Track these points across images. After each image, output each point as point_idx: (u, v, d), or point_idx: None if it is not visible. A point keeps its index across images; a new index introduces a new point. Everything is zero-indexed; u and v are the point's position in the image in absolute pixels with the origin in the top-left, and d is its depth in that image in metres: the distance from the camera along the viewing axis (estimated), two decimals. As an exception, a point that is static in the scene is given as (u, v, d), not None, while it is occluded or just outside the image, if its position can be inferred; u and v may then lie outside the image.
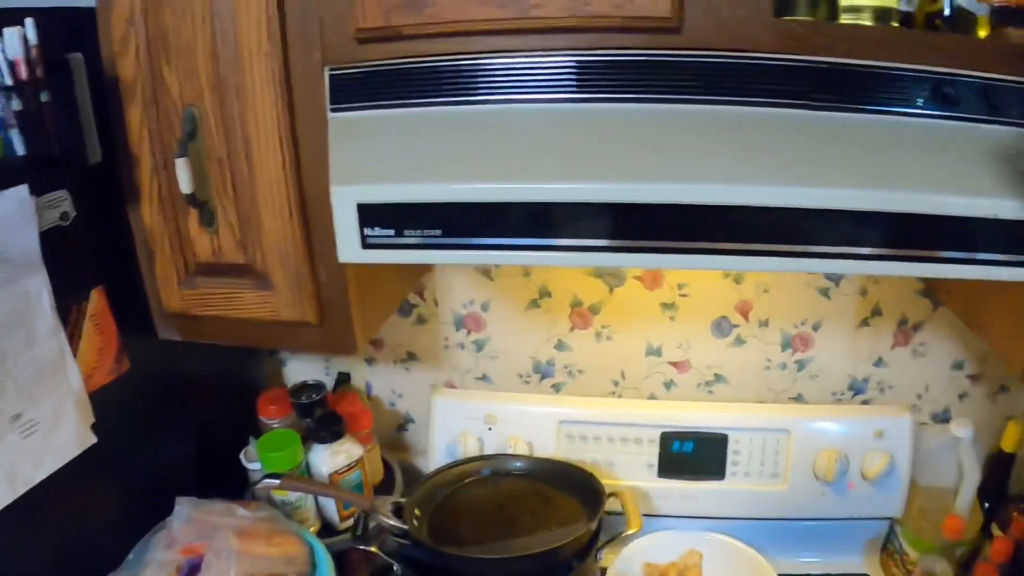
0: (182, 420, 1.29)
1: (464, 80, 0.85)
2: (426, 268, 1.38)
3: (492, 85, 0.85)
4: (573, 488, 1.25)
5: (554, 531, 1.15)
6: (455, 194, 0.81)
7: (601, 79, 0.82)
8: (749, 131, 0.80)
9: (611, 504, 1.22)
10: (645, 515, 1.35)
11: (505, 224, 0.82)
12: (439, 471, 1.28)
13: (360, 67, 0.88)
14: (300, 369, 1.55)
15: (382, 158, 0.86)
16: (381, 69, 0.87)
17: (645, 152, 0.80)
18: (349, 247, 0.87)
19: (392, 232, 0.85)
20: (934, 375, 1.42)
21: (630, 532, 1.18)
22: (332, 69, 0.89)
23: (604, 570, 1.27)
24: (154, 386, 1.20)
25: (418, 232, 0.84)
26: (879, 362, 1.40)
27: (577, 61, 0.82)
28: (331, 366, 1.54)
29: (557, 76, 0.83)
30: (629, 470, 1.36)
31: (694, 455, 1.35)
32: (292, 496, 1.25)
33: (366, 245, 0.86)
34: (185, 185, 0.95)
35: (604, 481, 1.30)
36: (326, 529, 1.31)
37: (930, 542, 1.28)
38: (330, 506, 1.30)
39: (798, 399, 1.43)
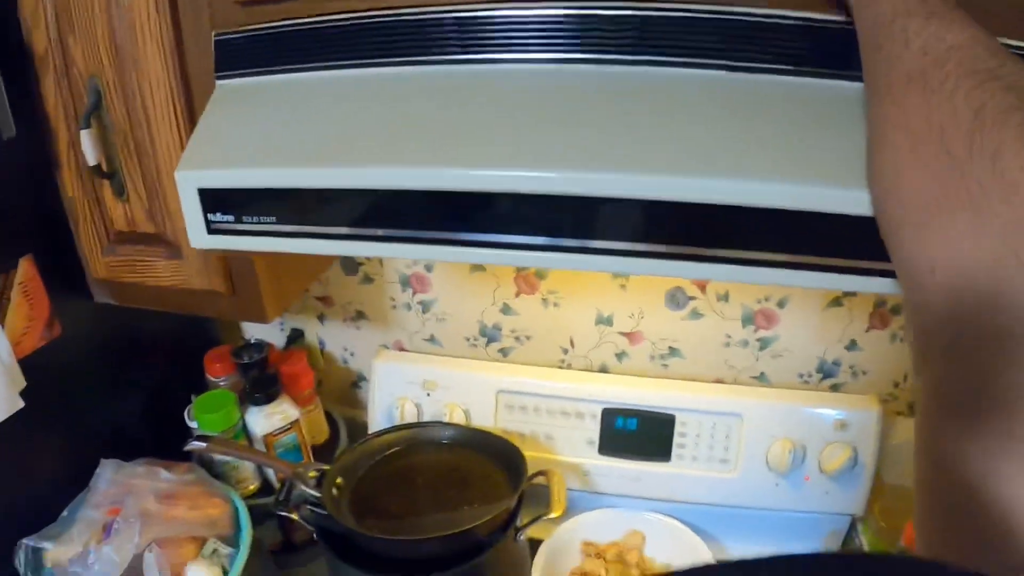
0: (136, 380, 1.28)
1: (345, 41, 0.77)
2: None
3: (367, 46, 0.76)
4: (501, 462, 1.19)
5: (476, 508, 1.10)
6: (275, 179, 0.75)
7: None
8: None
9: (543, 481, 1.16)
10: (585, 492, 1.30)
11: (337, 212, 0.74)
12: (367, 439, 1.23)
13: (244, 31, 0.81)
14: (255, 327, 1.52)
15: (236, 136, 0.79)
16: (264, 33, 0.80)
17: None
18: (197, 233, 0.81)
19: (232, 218, 0.79)
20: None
21: (551, 515, 1.12)
22: (218, 35, 0.82)
23: (537, 543, 1.22)
24: (100, 348, 1.20)
25: (254, 219, 0.78)
26: (852, 345, 1.28)
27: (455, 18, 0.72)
28: (285, 322, 1.51)
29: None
30: (568, 446, 1.30)
31: (638, 434, 1.27)
32: (229, 457, 1.24)
33: (211, 231, 0.80)
34: (91, 157, 0.94)
35: (541, 456, 1.25)
36: (267, 490, 1.30)
37: (891, 546, 1.19)
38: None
39: (761, 378, 1.33)
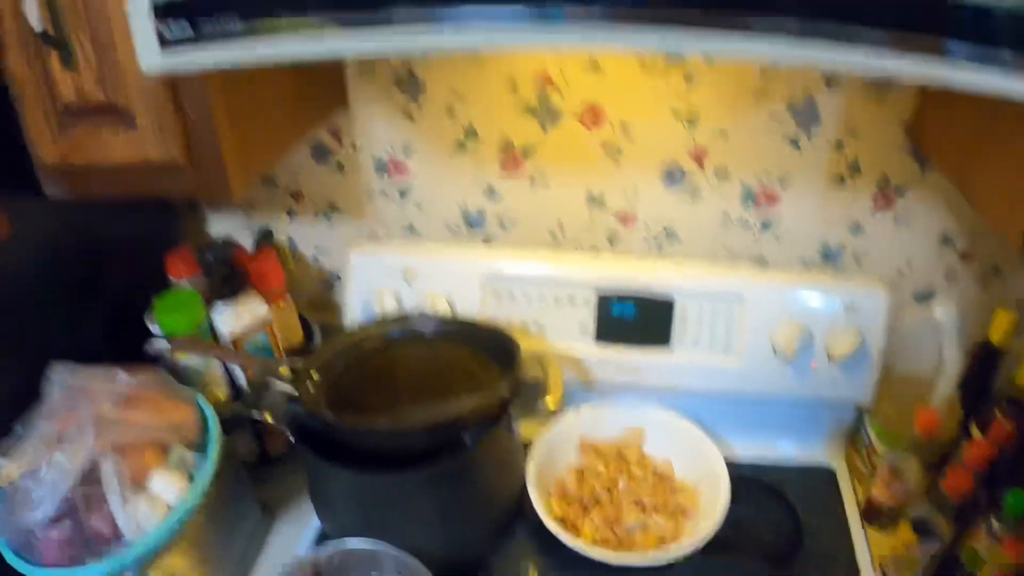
0: (93, 284, 1.17)
1: None
2: (321, 103, 1.19)
3: None
4: (492, 351, 1.09)
5: (465, 398, 1.02)
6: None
7: None
8: None
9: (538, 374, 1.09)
10: (582, 385, 1.22)
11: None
12: (345, 333, 1.14)
13: None
14: (221, 227, 1.41)
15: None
16: None
17: None
18: (148, 52, 0.71)
19: (186, 25, 0.68)
20: (918, 248, 1.24)
21: (548, 407, 1.04)
22: None
23: (526, 445, 1.15)
24: (53, 250, 1.10)
25: (213, 21, 0.67)
26: (856, 228, 1.21)
27: None
28: (252, 220, 1.40)
29: None
30: (562, 334, 1.21)
31: (636, 320, 1.19)
32: (196, 360, 1.14)
33: (165, 45, 0.69)
34: (36, 22, 0.84)
35: (533, 347, 1.17)
36: (237, 395, 1.21)
37: (900, 436, 1.13)
38: (240, 371, 1.18)
39: (760, 261, 1.25)
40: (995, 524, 0.97)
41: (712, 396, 1.22)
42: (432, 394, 1.05)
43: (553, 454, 1.17)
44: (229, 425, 1.09)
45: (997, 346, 1.11)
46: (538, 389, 1.10)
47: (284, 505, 1.19)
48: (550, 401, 1.05)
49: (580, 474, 1.17)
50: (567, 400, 1.19)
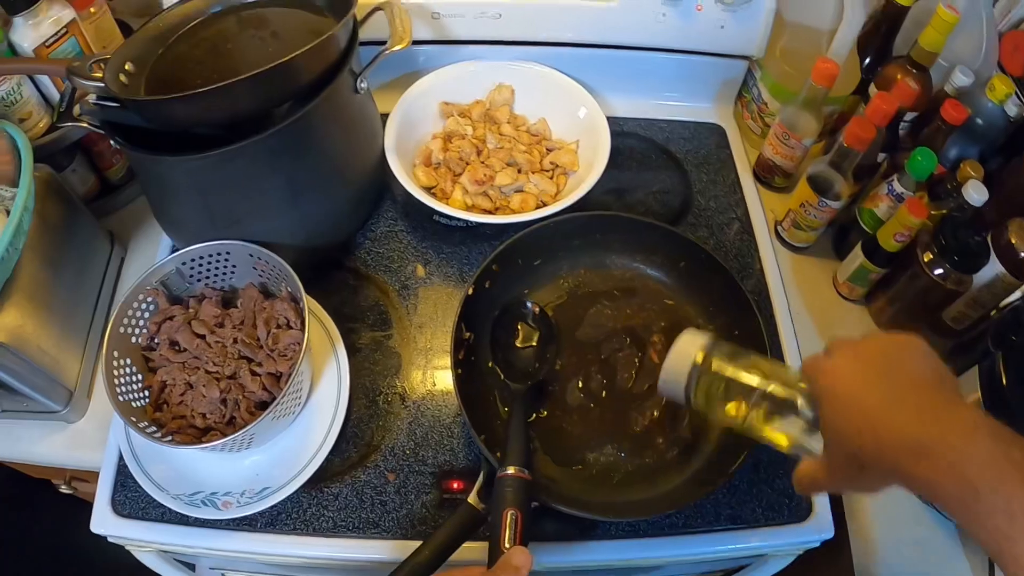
0: None
1: None
2: None
3: None
4: (328, 6, 0.94)
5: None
6: None
7: None
8: None
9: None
10: (439, 43, 1.10)
11: None
12: (157, 16, 0.96)
13: None
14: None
15: None
16: None
17: None
18: None
19: None
20: None
21: (395, 48, 0.91)
22: None
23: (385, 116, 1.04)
24: None
25: None
26: None
27: None
28: None
29: None
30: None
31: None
32: (3, 90, 0.96)
33: None
34: None
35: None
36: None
37: (794, 91, 1.05)
38: (54, 93, 1.02)
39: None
40: (897, 185, 0.94)
41: (589, 49, 1.11)
42: (267, 58, 0.89)
43: (413, 121, 1.08)
44: (58, 159, 0.99)
45: (902, 5, 1.01)
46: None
47: (137, 231, 1.10)
48: (397, 44, 0.91)
49: (446, 140, 1.08)
50: (422, 61, 1.10)
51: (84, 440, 0.92)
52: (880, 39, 1.06)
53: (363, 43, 0.92)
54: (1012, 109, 1.00)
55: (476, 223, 1.00)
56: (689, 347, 0.67)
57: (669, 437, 0.87)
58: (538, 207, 1.00)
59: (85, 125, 0.87)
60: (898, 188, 0.95)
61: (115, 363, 0.80)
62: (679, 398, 0.68)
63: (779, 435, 0.63)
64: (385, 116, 1.04)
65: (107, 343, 0.80)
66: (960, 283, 0.92)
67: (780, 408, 0.62)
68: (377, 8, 0.96)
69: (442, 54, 1.11)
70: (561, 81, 1.10)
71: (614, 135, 1.03)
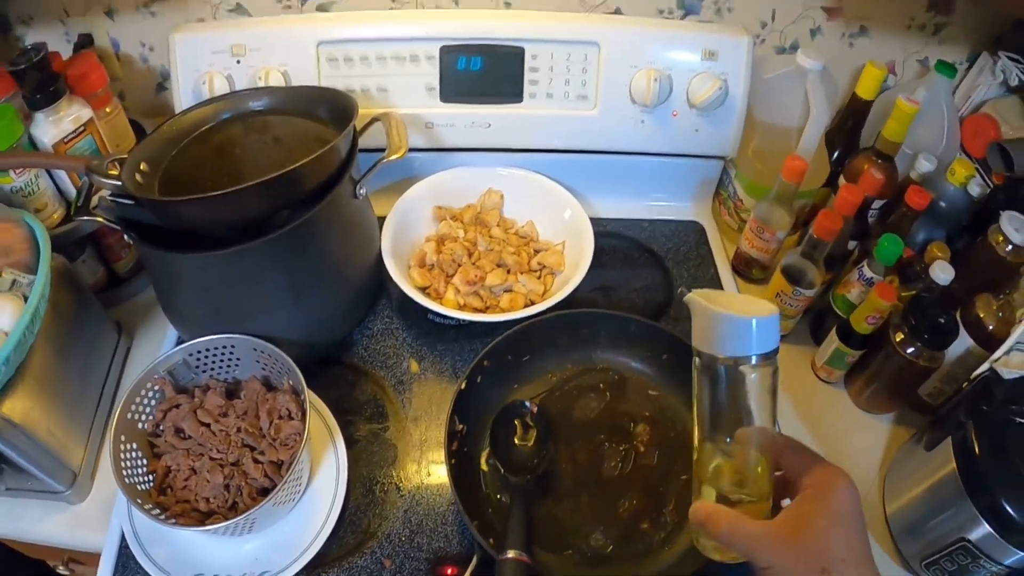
0: None
1: None
2: None
3: None
4: (330, 116, 1.02)
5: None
6: None
7: None
8: None
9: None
10: (432, 151, 1.17)
11: None
12: (170, 119, 1.04)
13: None
14: (34, 36, 1.27)
15: None
16: None
17: None
18: None
19: None
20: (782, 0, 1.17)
21: (392, 157, 0.97)
22: None
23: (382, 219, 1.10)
24: None
25: None
26: (715, -19, 1.13)
27: None
28: (70, 28, 1.25)
29: None
30: (406, 95, 1.13)
31: (484, 73, 1.11)
32: (19, 182, 1.02)
33: None
34: None
35: (376, 111, 1.09)
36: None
37: (766, 187, 1.11)
38: (69, 186, 1.08)
39: (616, 13, 1.17)
40: (867, 270, 1.00)
41: (571, 154, 1.18)
42: (272, 165, 0.96)
43: (408, 224, 1.14)
44: (70, 250, 1.04)
45: (865, 99, 1.09)
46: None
47: (142, 322, 1.15)
48: (395, 153, 0.98)
49: (439, 242, 1.14)
50: (417, 167, 1.16)
51: (86, 521, 0.94)
52: (847, 133, 1.14)
53: (362, 150, 0.98)
54: (975, 189, 1.07)
55: (468, 321, 1.04)
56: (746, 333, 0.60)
57: (656, 522, 0.89)
58: (526, 306, 1.04)
59: (101, 220, 0.93)
60: (868, 273, 1.00)
61: (122, 447, 0.84)
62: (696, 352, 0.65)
63: (709, 490, 0.64)
64: (382, 219, 1.10)
65: (115, 427, 0.83)
66: (932, 360, 0.95)
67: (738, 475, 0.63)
68: (375, 119, 1.04)
69: (435, 161, 1.18)
70: (547, 185, 1.17)
71: (598, 235, 1.09)
